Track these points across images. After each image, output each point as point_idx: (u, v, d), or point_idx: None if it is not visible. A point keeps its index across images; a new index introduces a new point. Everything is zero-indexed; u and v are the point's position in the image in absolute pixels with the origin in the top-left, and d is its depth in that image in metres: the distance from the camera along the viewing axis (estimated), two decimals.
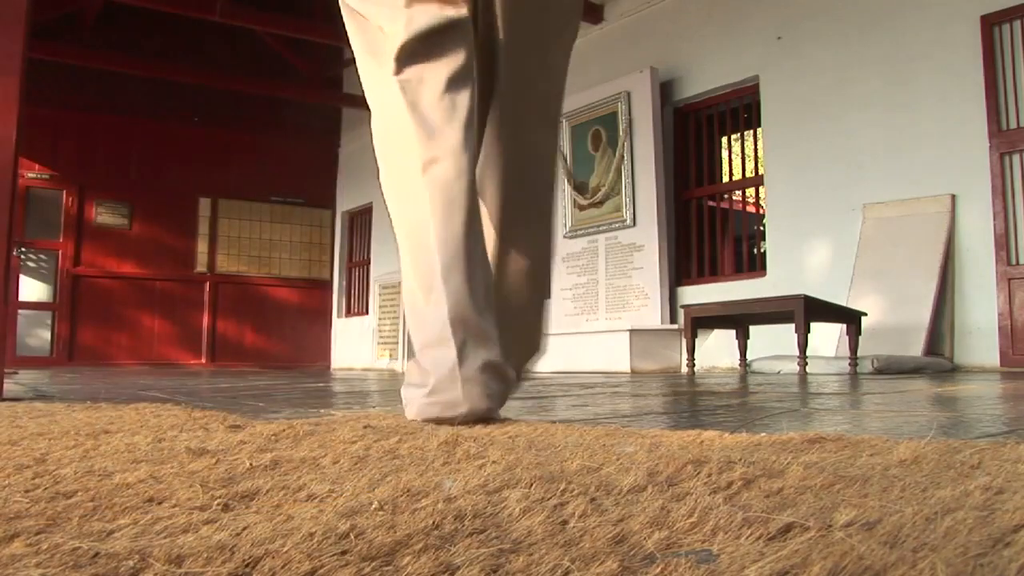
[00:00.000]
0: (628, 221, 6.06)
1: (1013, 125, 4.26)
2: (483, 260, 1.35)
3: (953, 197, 4.44)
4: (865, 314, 4.27)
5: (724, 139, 6.63)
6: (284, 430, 1.12)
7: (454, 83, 1.34)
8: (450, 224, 1.29)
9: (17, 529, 0.52)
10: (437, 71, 1.33)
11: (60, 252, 9.02)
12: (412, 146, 1.32)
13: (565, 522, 0.53)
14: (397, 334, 8.67)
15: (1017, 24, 4.28)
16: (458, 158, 1.31)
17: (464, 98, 1.34)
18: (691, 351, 4.69)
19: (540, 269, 1.54)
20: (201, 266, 9.76)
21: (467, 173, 1.32)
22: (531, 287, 1.52)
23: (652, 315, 5.85)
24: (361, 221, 10.40)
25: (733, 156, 6.99)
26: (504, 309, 1.41)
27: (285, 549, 0.45)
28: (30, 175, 8.81)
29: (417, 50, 1.33)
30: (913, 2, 4.72)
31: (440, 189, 1.30)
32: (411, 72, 1.34)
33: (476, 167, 1.41)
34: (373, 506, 0.58)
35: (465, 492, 0.63)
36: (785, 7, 5.44)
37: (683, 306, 5.03)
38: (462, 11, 1.36)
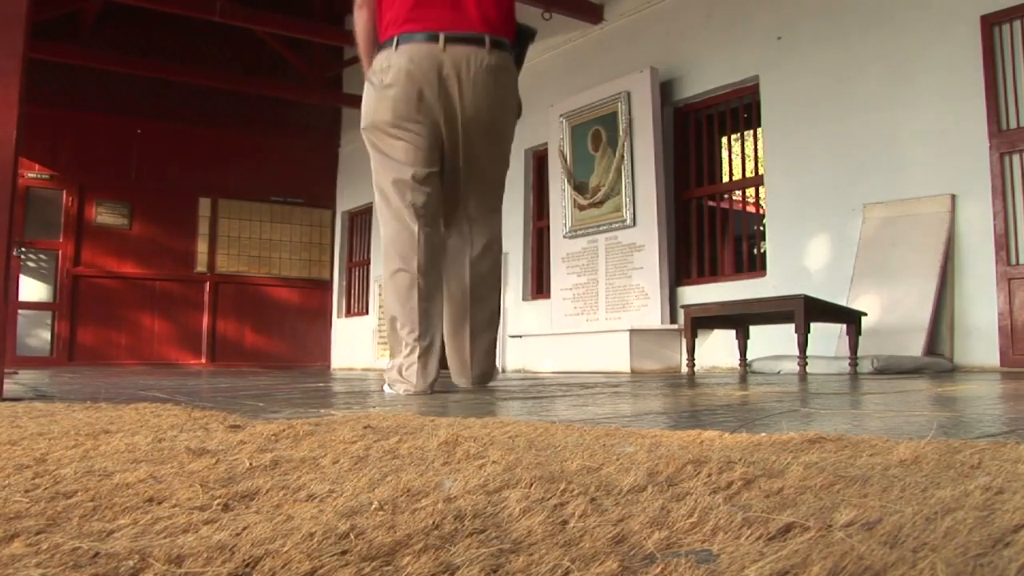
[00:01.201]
0: (628, 221, 6.06)
1: (1013, 125, 4.25)
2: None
3: (953, 197, 4.44)
4: (865, 314, 4.27)
5: (724, 139, 6.63)
6: (284, 430, 1.12)
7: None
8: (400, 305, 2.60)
9: (17, 529, 0.52)
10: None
11: (60, 252, 9.01)
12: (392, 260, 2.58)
13: (565, 522, 0.53)
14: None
15: (1017, 24, 4.28)
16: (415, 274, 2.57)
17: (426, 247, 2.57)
18: (691, 351, 4.69)
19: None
20: (201, 266, 9.75)
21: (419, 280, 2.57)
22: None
23: (652, 315, 5.84)
24: (361, 221, 10.40)
25: (733, 156, 6.99)
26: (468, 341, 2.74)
27: (285, 549, 0.45)
28: (30, 175, 8.80)
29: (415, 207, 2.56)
30: (913, 2, 4.72)
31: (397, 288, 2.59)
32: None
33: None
34: (373, 506, 0.58)
35: (465, 492, 0.63)
36: (785, 7, 5.44)
37: (683, 306, 5.03)
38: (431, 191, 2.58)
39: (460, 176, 2.62)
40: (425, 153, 2.53)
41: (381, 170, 2.59)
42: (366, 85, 2.60)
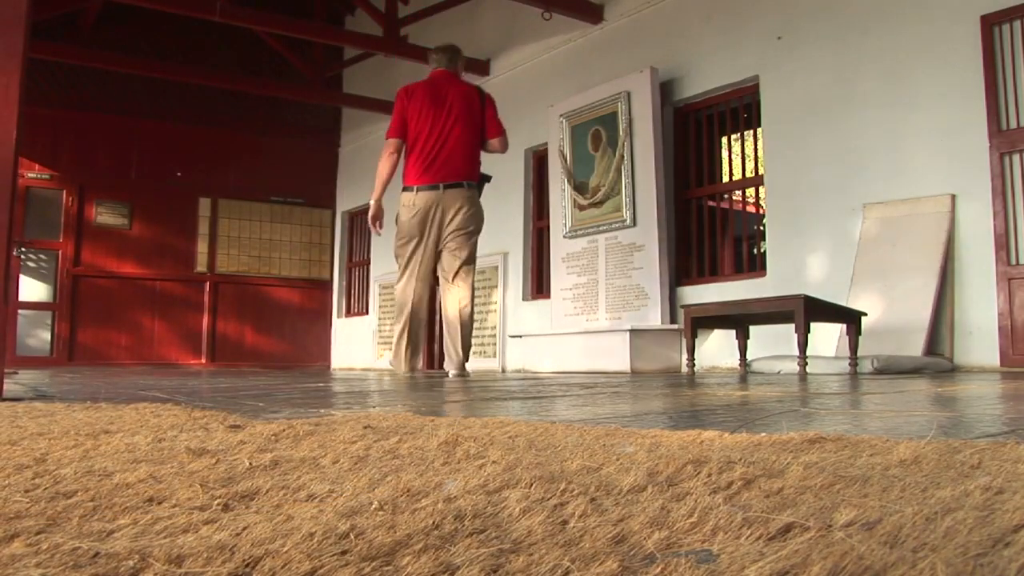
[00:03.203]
0: (628, 221, 6.06)
1: (1013, 125, 4.25)
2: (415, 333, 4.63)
3: (953, 197, 4.44)
4: (865, 314, 4.27)
5: (724, 139, 6.63)
6: (284, 430, 1.13)
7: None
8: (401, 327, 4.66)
9: (17, 529, 0.52)
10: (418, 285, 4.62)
11: (60, 252, 9.01)
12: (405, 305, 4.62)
13: (565, 522, 0.53)
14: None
15: (1017, 24, 4.28)
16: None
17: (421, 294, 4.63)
18: (691, 351, 4.69)
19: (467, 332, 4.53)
20: (201, 266, 9.75)
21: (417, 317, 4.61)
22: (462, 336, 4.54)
23: (652, 315, 5.84)
24: (361, 221, 10.39)
25: (733, 156, 6.98)
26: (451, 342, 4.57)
27: (285, 549, 0.45)
28: (30, 175, 8.80)
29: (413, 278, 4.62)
30: (913, 2, 4.72)
31: (407, 322, 4.58)
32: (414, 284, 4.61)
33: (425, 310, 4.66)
34: (373, 506, 0.58)
35: (465, 492, 0.63)
36: (785, 7, 5.43)
37: (683, 306, 5.03)
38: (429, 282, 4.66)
39: (450, 257, 4.54)
40: (431, 249, 4.53)
41: (402, 255, 4.60)
42: (400, 209, 4.55)
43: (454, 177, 4.45)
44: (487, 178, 4.69)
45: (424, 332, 4.63)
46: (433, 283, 4.70)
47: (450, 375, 4.50)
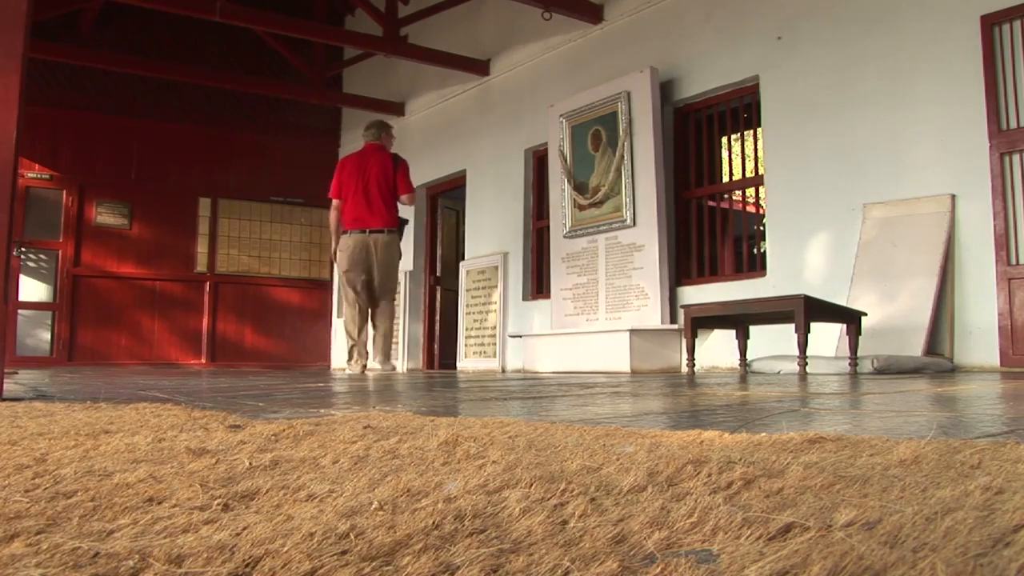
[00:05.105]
0: (628, 221, 6.06)
1: (1013, 125, 4.25)
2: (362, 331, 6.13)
3: (953, 197, 4.44)
4: (865, 314, 4.27)
5: (724, 139, 6.62)
6: (284, 430, 1.13)
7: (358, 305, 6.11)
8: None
9: (17, 529, 0.52)
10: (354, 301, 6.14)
11: (60, 252, 9.01)
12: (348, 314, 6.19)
13: (565, 522, 0.53)
14: (396, 334, 8.67)
15: (1017, 24, 4.28)
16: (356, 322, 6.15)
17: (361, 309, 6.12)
18: (691, 351, 4.69)
19: (388, 335, 6.17)
20: (201, 266, 9.75)
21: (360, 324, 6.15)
22: (383, 337, 6.12)
23: (652, 315, 5.84)
24: None
25: (733, 156, 6.99)
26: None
27: (285, 549, 0.45)
28: (30, 175, 8.80)
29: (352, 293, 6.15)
30: (913, 2, 4.72)
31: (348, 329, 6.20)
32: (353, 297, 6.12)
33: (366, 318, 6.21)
34: (373, 506, 0.58)
35: (465, 492, 0.63)
36: (785, 7, 5.43)
37: (683, 306, 5.03)
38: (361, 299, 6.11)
39: (374, 285, 5.97)
40: (362, 277, 5.94)
41: (343, 282, 6.06)
42: (340, 249, 6.01)
43: (376, 225, 5.94)
44: (404, 222, 6.19)
45: (366, 338, 6.04)
46: (366, 301, 6.05)
47: (379, 368, 6.03)
